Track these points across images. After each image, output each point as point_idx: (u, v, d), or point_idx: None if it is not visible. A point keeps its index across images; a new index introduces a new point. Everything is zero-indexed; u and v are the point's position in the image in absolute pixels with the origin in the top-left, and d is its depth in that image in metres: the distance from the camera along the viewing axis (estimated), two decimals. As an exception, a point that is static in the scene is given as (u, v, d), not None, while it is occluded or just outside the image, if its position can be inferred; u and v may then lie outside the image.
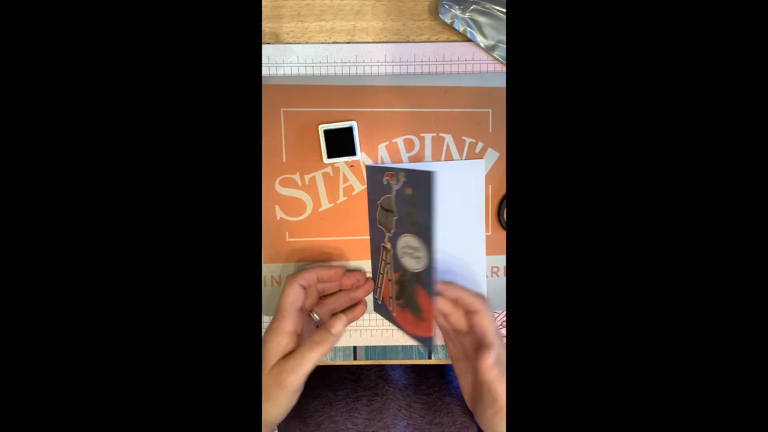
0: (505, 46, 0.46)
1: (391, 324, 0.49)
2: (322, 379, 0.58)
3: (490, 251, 0.48)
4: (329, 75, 0.46)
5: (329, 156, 0.47)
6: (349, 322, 0.45)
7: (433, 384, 0.58)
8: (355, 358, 0.50)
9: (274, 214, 0.48)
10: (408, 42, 0.46)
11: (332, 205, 0.48)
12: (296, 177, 0.48)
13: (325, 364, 0.51)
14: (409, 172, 0.41)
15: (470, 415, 0.53)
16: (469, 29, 0.45)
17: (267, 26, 0.46)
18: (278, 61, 0.46)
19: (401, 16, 0.46)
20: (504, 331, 0.50)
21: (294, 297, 0.43)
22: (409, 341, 0.50)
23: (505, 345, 0.42)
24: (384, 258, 0.46)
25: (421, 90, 0.46)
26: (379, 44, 0.46)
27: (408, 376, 0.58)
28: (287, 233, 0.48)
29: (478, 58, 0.46)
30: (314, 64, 0.46)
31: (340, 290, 0.47)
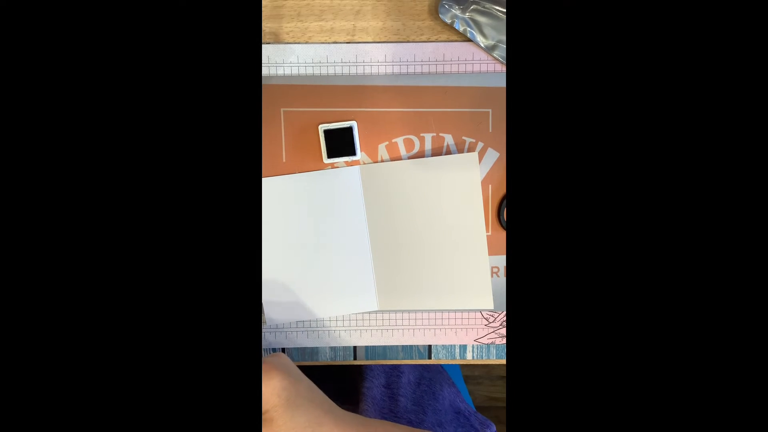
0: (505, 46, 0.46)
1: (391, 323, 0.49)
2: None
3: (490, 251, 0.48)
4: (329, 75, 0.46)
5: (329, 156, 0.47)
6: None
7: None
8: (355, 358, 0.50)
9: (274, 214, 0.48)
10: (408, 42, 0.46)
11: (332, 205, 0.48)
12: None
13: (325, 364, 0.51)
14: None
15: None
16: (469, 29, 0.45)
17: (267, 26, 0.46)
18: (278, 61, 0.46)
19: (401, 16, 0.46)
20: (504, 331, 0.50)
21: None
22: (410, 341, 0.50)
23: None
24: None
25: (421, 90, 0.46)
26: (379, 44, 0.46)
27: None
28: (287, 233, 0.48)
29: (478, 58, 0.46)
30: (314, 64, 0.46)
31: None
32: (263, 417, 0.38)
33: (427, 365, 0.62)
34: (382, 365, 0.60)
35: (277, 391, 0.38)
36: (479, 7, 0.45)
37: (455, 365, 0.73)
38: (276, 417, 0.37)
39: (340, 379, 0.61)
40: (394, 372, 0.60)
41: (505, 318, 0.50)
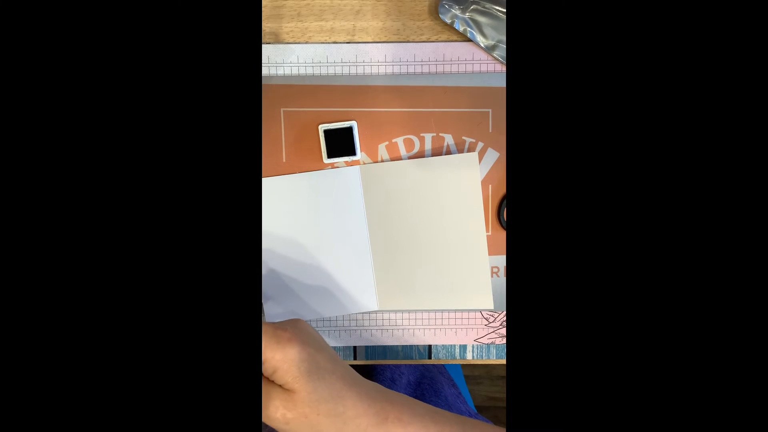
0: (505, 46, 0.46)
1: (391, 323, 0.49)
2: None
3: (490, 251, 0.48)
4: (329, 75, 0.46)
5: (329, 156, 0.47)
6: None
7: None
8: (355, 358, 0.50)
9: (274, 214, 0.48)
10: (408, 42, 0.46)
11: (332, 205, 0.48)
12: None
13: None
14: None
15: None
16: (469, 29, 0.45)
17: (267, 26, 0.46)
18: (278, 61, 0.46)
19: (401, 16, 0.46)
20: (504, 331, 0.50)
21: None
22: (410, 341, 0.50)
23: None
24: None
25: (421, 90, 0.46)
26: (379, 44, 0.46)
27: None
28: (287, 233, 0.48)
29: (478, 58, 0.46)
30: (314, 64, 0.46)
31: None
32: (285, 388, 0.36)
33: (428, 366, 0.62)
34: (385, 366, 0.60)
35: (296, 362, 0.36)
36: (479, 7, 0.45)
37: (457, 367, 0.73)
38: (298, 389, 0.36)
39: None
40: (396, 371, 0.60)
41: (505, 318, 0.50)
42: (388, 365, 0.60)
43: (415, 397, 0.59)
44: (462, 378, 0.73)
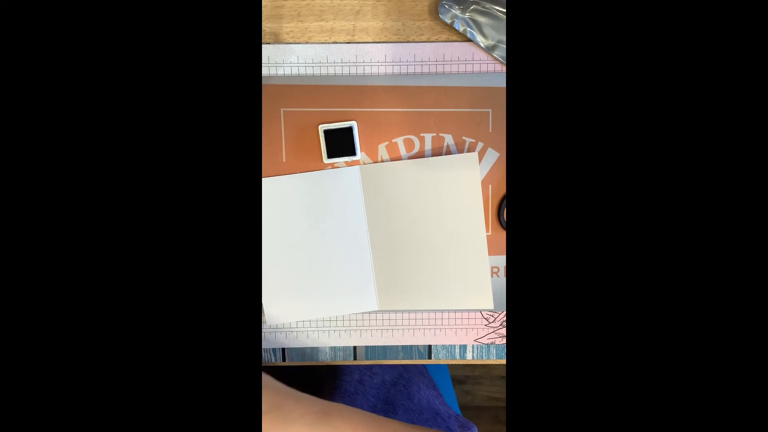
0: (505, 46, 0.46)
1: (391, 323, 0.49)
2: None
3: (490, 251, 0.48)
4: (329, 75, 0.46)
5: (329, 156, 0.47)
6: None
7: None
8: (355, 358, 0.50)
9: (274, 214, 0.48)
10: (408, 42, 0.46)
11: (332, 205, 0.48)
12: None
13: (325, 363, 0.51)
14: None
15: None
16: (469, 29, 0.45)
17: (267, 26, 0.46)
18: (278, 61, 0.46)
19: (401, 16, 0.46)
20: (504, 331, 0.50)
21: None
22: (410, 341, 0.50)
23: None
24: None
25: (421, 90, 0.46)
26: (379, 44, 0.46)
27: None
28: (287, 233, 0.48)
29: (478, 58, 0.46)
30: (314, 64, 0.46)
31: None
32: None
33: (408, 367, 0.62)
34: (354, 367, 0.60)
35: None
36: (479, 7, 0.45)
37: (444, 369, 0.73)
38: None
39: (312, 374, 0.61)
40: (367, 372, 0.60)
41: (505, 318, 0.50)
42: (357, 366, 0.60)
43: (387, 397, 0.59)
44: (448, 380, 0.72)
